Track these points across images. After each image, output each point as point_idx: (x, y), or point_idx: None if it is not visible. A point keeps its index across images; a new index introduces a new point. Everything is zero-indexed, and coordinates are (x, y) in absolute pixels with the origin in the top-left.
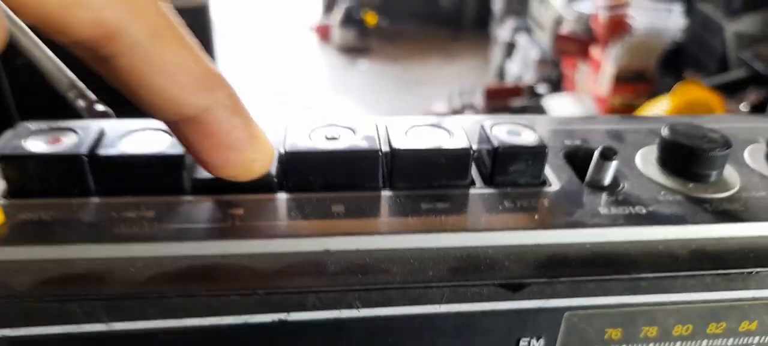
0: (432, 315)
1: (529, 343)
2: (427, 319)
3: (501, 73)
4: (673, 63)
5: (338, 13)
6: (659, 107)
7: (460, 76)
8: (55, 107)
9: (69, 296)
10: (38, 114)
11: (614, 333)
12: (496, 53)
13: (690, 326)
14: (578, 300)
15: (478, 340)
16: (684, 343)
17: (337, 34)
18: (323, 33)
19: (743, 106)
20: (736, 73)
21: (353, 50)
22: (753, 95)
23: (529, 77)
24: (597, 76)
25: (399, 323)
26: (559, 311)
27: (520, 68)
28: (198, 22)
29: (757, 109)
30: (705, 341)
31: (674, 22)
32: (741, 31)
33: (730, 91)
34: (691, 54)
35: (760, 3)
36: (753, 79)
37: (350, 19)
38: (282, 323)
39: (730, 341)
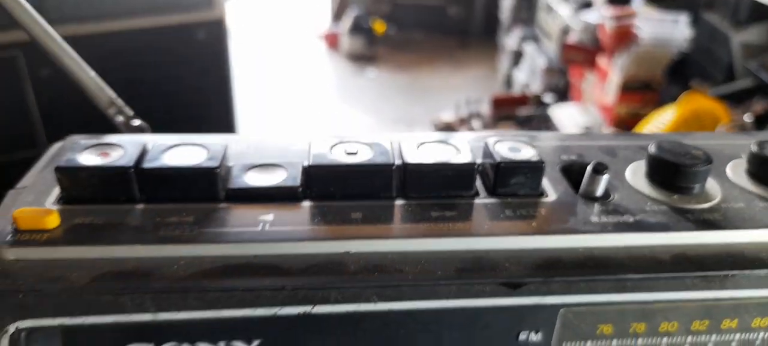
0: (441, 310)
1: (528, 337)
2: (437, 314)
3: (508, 82)
4: (680, 73)
5: (347, 22)
6: (665, 117)
7: (467, 84)
8: (80, 120)
9: (120, 289)
10: (62, 126)
11: (606, 329)
12: (504, 62)
13: (675, 323)
14: (571, 298)
15: (481, 334)
16: (670, 339)
17: (346, 42)
18: (332, 41)
19: (747, 117)
20: (742, 83)
21: (361, 58)
22: (758, 105)
23: (536, 86)
24: (603, 85)
25: (411, 316)
26: (555, 308)
27: (527, 77)
28: (216, 34)
29: (761, 119)
30: (690, 338)
31: (681, 32)
32: (747, 41)
33: (736, 101)
34: (698, 64)
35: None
36: (759, 90)
37: (359, 28)
38: (307, 315)
39: (713, 337)
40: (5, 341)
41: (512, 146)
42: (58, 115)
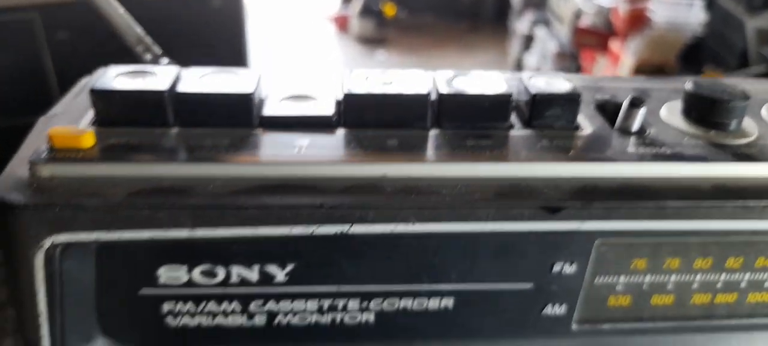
0: (477, 234)
1: (562, 268)
2: (473, 238)
3: (519, 66)
4: (693, 58)
5: (357, 4)
6: None
7: (477, 68)
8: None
9: (157, 204)
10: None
11: (640, 264)
12: (515, 46)
13: (710, 259)
14: (609, 224)
15: (516, 263)
16: (704, 275)
17: (356, 24)
18: (341, 23)
19: None
20: (756, 69)
21: (371, 41)
22: None
23: (547, 70)
24: (616, 69)
25: (447, 240)
26: (591, 237)
27: (538, 61)
28: (232, 2)
29: None
30: (723, 275)
31: (695, 16)
32: (762, 27)
33: None
34: (711, 49)
35: None
36: None
37: (369, 10)
38: (343, 236)
39: (747, 275)
40: (40, 256)
41: (547, 80)
42: (74, 78)
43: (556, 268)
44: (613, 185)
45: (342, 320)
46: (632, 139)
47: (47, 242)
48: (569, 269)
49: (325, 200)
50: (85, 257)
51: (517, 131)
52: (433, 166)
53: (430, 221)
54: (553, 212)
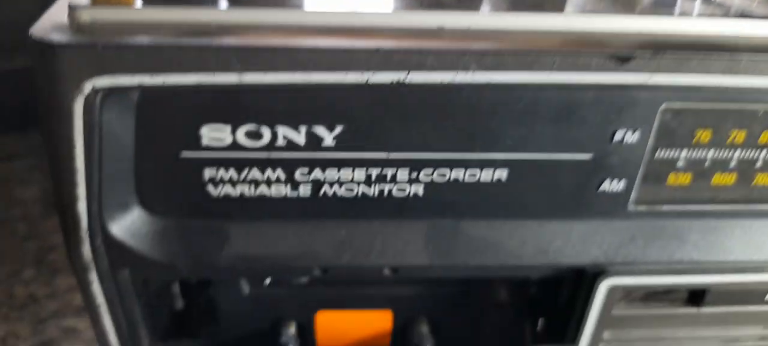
0: (539, 88)
1: (624, 136)
2: (534, 94)
3: None
4: None
5: None
6: None
7: None
8: None
9: (205, 44)
10: None
11: (703, 136)
12: None
13: None
14: (679, 78)
15: (576, 129)
16: None
17: None
18: None
19: None
20: None
21: None
22: None
23: None
24: None
25: (507, 95)
26: (658, 98)
27: None
28: None
29: None
30: None
31: None
32: None
33: None
34: None
35: None
36: None
37: None
38: (400, 85)
39: None
40: (80, 102)
41: None
42: None
43: (618, 136)
44: (683, 40)
45: (390, 192)
46: (699, 2)
47: (88, 86)
48: (631, 137)
49: (382, 44)
50: (126, 108)
51: None
52: (493, 18)
53: (491, 69)
54: (622, 61)
